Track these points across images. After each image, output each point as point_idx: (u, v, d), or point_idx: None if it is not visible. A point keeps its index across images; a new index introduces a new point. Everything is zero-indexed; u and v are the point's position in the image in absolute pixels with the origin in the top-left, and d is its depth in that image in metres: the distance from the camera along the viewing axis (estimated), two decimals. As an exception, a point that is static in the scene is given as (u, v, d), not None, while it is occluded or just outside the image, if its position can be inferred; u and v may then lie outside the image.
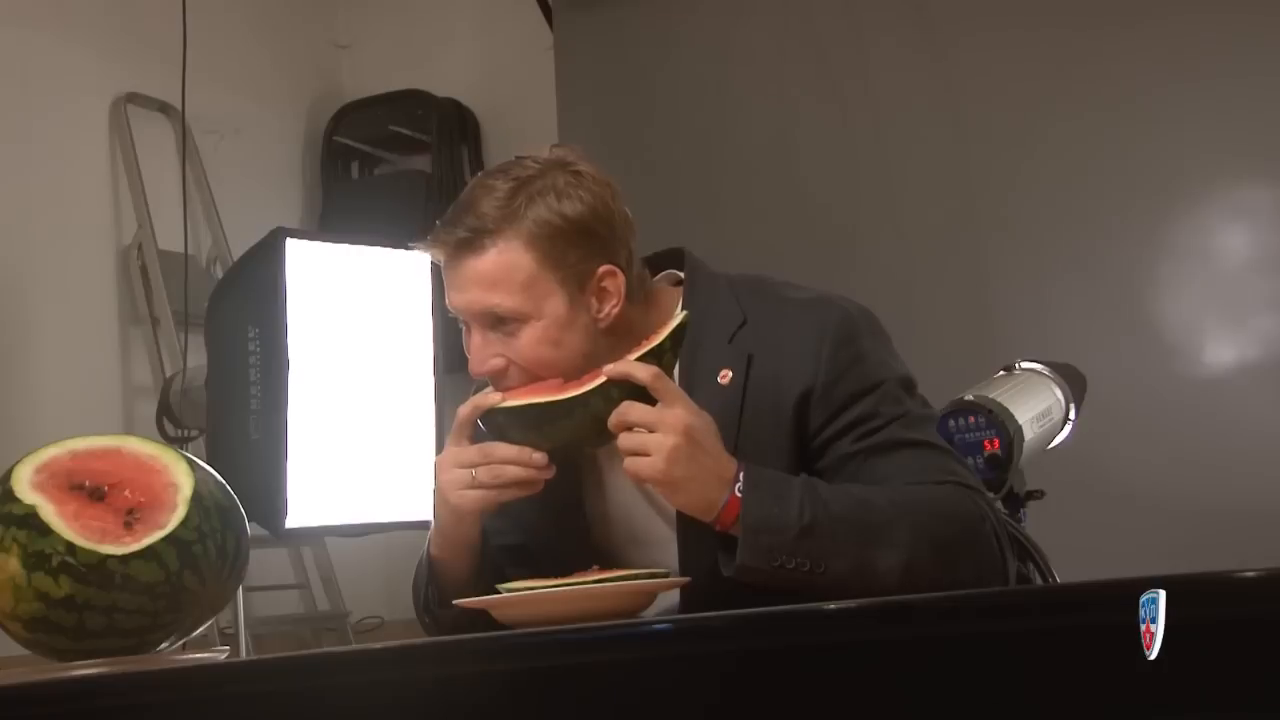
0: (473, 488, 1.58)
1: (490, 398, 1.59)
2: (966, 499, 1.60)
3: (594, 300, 1.65)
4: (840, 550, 1.53)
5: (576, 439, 1.60)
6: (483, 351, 1.64)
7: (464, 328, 1.68)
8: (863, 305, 1.73)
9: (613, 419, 1.53)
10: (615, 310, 1.65)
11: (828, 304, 1.70)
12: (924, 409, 1.71)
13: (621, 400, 1.53)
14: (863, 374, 1.65)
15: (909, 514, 1.56)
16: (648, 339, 1.58)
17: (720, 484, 1.53)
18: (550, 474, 1.58)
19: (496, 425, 1.59)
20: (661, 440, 1.51)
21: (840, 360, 1.65)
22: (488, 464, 1.57)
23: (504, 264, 1.61)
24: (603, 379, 1.54)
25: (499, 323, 1.63)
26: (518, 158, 1.67)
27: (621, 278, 1.65)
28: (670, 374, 1.57)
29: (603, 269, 1.64)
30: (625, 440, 1.53)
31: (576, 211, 1.63)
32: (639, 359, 1.55)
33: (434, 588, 1.68)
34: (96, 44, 4.13)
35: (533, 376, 1.63)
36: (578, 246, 1.63)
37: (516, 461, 1.57)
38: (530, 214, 1.61)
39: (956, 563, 1.57)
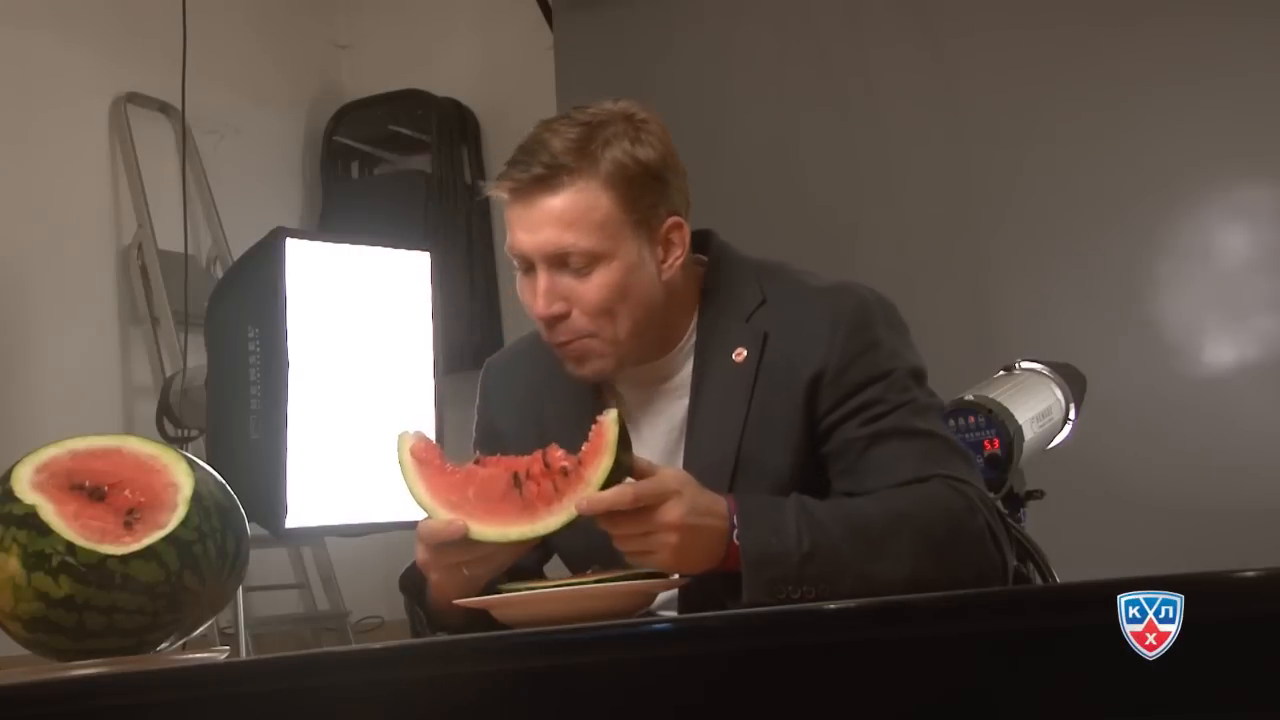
0: (469, 581, 1.53)
1: (453, 528, 1.48)
2: (956, 496, 1.59)
3: (660, 250, 1.66)
4: (844, 571, 1.51)
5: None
6: (551, 293, 1.63)
7: (522, 272, 1.67)
8: (882, 294, 1.73)
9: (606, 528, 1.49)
10: (679, 262, 1.68)
11: (846, 290, 1.71)
12: (931, 399, 1.71)
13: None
14: (874, 361, 1.66)
15: (905, 523, 1.55)
16: (593, 445, 1.49)
17: (721, 541, 1.51)
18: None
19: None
20: (664, 540, 1.48)
21: (853, 346, 1.65)
22: (475, 559, 1.52)
23: (581, 203, 1.61)
24: (572, 514, 1.47)
25: (567, 265, 1.63)
26: (576, 107, 1.68)
27: (686, 230, 1.68)
28: (630, 469, 1.50)
29: (670, 220, 1.66)
30: (626, 545, 1.50)
31: (649, 157, 1.64)
32: (605, 484, 1.47)
33: (423, 612, 1.67)
34: (96, 44, 4.13)
35: (592, 326, 1.64)
36: (650, 191, 1.64)
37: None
38: (607, 155, 1.62)
39: (956, 564, 1.56)
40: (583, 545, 1.68)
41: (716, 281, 1.73)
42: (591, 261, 1.62)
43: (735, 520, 1.52)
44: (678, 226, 1.68)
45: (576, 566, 1.71)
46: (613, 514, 1.47)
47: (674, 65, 4.15)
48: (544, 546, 1.79)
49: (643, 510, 1.47)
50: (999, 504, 2.24)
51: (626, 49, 4.20)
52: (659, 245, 1.67)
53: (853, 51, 3.94)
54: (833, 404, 1.65)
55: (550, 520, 1.48)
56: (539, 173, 1.62)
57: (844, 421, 1.65)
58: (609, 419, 1.49)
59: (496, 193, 1.66)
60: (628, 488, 1.47)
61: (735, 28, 4.08)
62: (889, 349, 1.68)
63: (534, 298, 1.66)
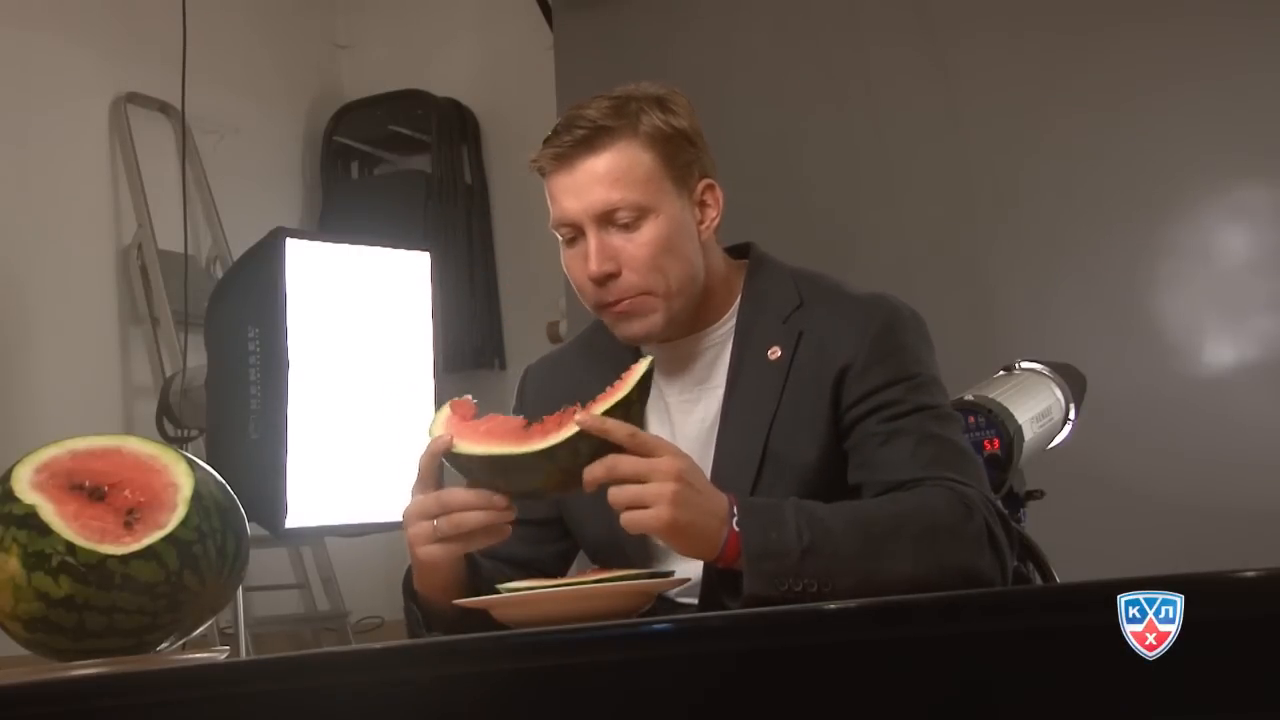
0: (436, 541, 1.53)
1: (442, 441, 1.51)
2: (957, 500, 1.60)
3: (698, 210, 1.73)
4: (844, 567, 1.52)
5: (540, 489, 1.54)
6: (601, 252, 1.67)
7: (567, 243, 1.72)
8: (915, 309, 1.77)
9: (597, 473, 1.47)
10: (716, 223, 1.75)
11: (881, 298, 1.75)
12: (952, 411, 1.75)
13: (589, 456, 1.47)
14: (900, 363, 1.69)
15: (905, 523, 1.56)
16: (614, 388, 1.50)
17: (719, 522, 1.51)
18: (512, 516, 1.53)
19: (460, 466, 1.53)
20: (659, 489, 1.46)
21: (881, 346, 1.69)
22: (447, 515, 1.52)
23: (624, 161, 1.68)
24: (571, 430, 1.46)
25: (614, 222, 1.68)
26: (599, 95, 1.74)
27: (720, 192, 1.75)
28: (640, 424, 1.51)
29: (704, 181, 1.74)
30: (619, 494, 1.48)
31: (681, 124, 1.72)
32: (607, 412, 1.47)
33: (419, 612, 1.67)
34: (96, 44, 4.13)
35: (643, 283, 1.68)
36: (685, 152, 1.72)
37: (476, 508, 1.51)
38: (644, 120, 1.69)
39: (955, 566, 1.57)
40: (607, 537, 1.69)
41: (756, 284, 1.78)
42: (639, 216, 1.68)
43: (736, 510, 1.52)
44: (711, 188, 1.75)
45: (602, 559, 1.73)
46: (594, 453, 1.46)
47: (674, 65, 4.14)
48: (567, 538, 1.81)
49: (639, 458, 1.47)
50: (999, 504, 2.25)
51: (626, 49, 4.20)
52: (696, 206, 1.73)
53: (853, 51, 3.93)
54: (856, 399, 1.68)
55: (539, 443, 1.47)
56: (581, 135, 1.67)
57: (865, 417, 1.68)
58: (642, 362, 1.51)
59: (537, 166, 1.72)
60: (628, 426, 1.48)
61: (735, 28, 4.08)
62: (915, 355, 1.72)
63: (582, 265, 1.70)
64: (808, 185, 3.93)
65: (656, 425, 1.77)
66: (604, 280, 1.69)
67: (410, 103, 4.74)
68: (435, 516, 1.53)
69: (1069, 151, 3.64)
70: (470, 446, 1.50)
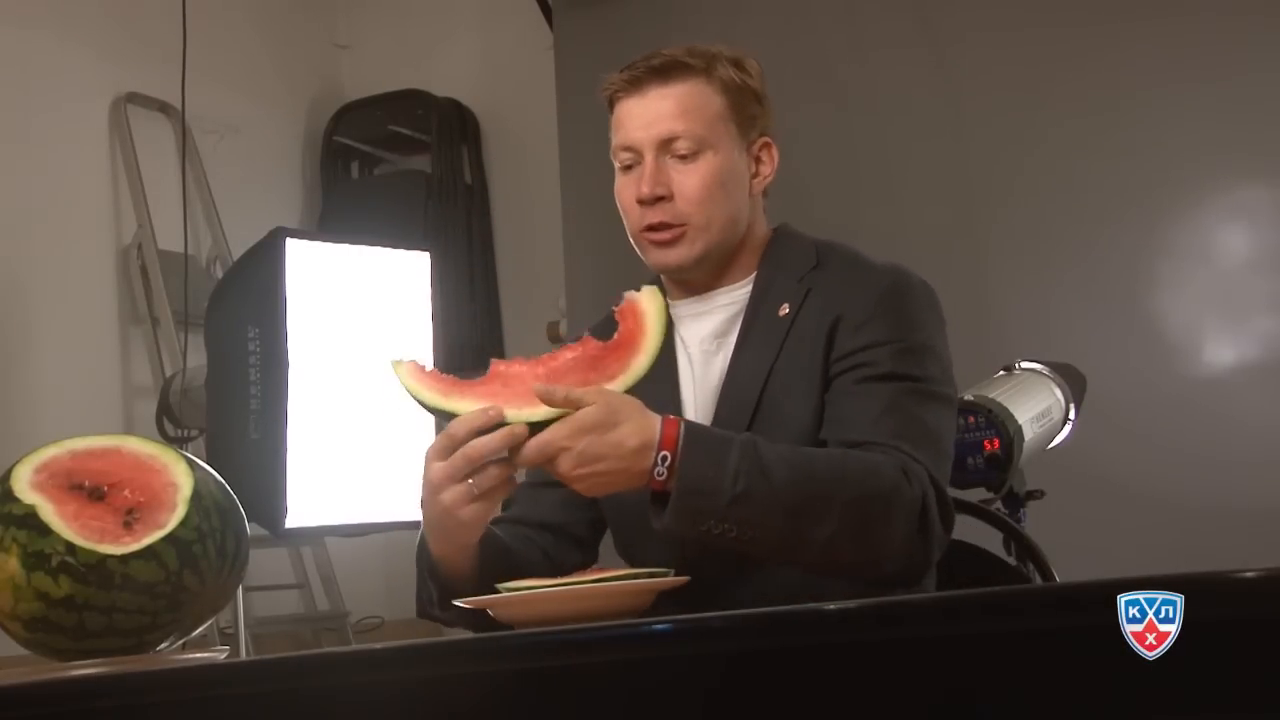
0: (473, 500, 1.56)
1: (491, 414, 1.53)
2: (898, 473, 1.59)
3: (753, 164, 1.79)
4: (769, 522, 1.55)
5: None
6: (656, 176, 1.74)
7: (623, 169, 1.78)
8: (929, 284, 1.79)
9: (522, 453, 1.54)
10: (768, 180, 1.81)
11: (898, 267, 1.79)
12: (940, 387, 1.73)
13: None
14: (894, 325, 1.71)
15: (843, 487, 1.57)
16: (629, 349, 1.59)
17: (632, 479, 1.55)
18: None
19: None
20: (568, 478, 1.55)
21: (882, 306, 1.72)
22: (476, 468, 1.54)
23: (696, 96, 1.75)
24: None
25: (672, 151, 1.74)
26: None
27: (776, 153, 1.81)
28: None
29: (764, 139, 1.81)
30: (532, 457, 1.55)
31: (752, 83, 1.80)
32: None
33: (435, 585, 1.67)
34: (96, 44, 4.13)
35: (688, 212, 1.74)
36: (751, 106, 1.79)
37: (499, 448, 1.55)
38: (720, 68, 1.77)
39: (877, 541, 1.58)
40: (635, 516, 1.70)
41: (778, 247, 1.83)
42: (697, 149, 1.74)
43: (682, 435, 1.54)
44: (768, 146, 1.81)
45: (626, 538, 1.78)
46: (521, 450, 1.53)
47: (674, 65, 4.14)
48: (596, 506, 1.83)
49: (543, 449, 1.53)
50: (998, 505, 2.25)
51: (626, 49, 4.15)
52: (753, 160, 1.80)
53: (852, 51, 3.93)
54: (843, 353, 1.71)
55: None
56: (658, 64, 1.75)
57: (845, 373, 1.70)
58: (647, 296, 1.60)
59: (608, 94, 1.78)
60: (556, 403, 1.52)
61: (735, 27, 4.07)
62: (912, 319, 1.72)
63: (634, 189, 1.76)
64: (807, 185, 3.92)
65: (683, 372, 1.82)
66: (653, 202, 1.74)
67: (410, 103, 4.74)
68: (466, 476, 1.55)
69: (1069, 151, 3.64)
70: (518, 414, 1.53)
